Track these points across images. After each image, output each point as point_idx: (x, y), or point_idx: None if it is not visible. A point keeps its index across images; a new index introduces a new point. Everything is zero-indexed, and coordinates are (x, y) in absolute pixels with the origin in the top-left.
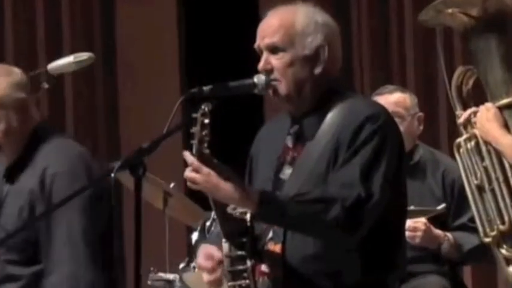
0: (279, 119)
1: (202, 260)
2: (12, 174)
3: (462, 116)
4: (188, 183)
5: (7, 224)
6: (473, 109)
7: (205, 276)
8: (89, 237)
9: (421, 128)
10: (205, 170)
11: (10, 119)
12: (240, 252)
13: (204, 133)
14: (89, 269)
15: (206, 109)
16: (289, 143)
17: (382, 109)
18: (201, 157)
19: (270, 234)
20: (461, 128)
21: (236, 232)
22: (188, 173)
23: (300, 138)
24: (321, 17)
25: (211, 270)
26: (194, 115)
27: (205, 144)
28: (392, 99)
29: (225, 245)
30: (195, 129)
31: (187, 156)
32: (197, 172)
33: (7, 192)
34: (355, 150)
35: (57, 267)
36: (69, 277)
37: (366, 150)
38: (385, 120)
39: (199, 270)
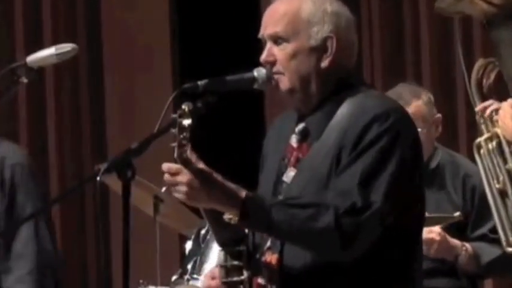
0: (289, 114)
1: (207, 279)
2: None
3: (480, 105)
4: (173, 193)
5: None
6: (493, 102)
7: None
8: None
9: (440, 129)
10: (186, 172)
11: None
12: (236, 263)
13: (182, 136)
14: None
15: (186, 109)
16: (294, 142)
17: (395, 107)
18: (182, 161)
19: (268, 243)
20: (481, 123)
21: (232, 240)
22: (169, 178)
23: (306, 138)
24: (331, 5)
25: None
26: (173, 116)
27: (185, 148)
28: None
29: (220, 254)
30: (174, 132)
31: (164, 166)
32: (177, 175)
33: None
34: (359, 153)
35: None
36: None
37: (370, 153)
38: (396, 119)
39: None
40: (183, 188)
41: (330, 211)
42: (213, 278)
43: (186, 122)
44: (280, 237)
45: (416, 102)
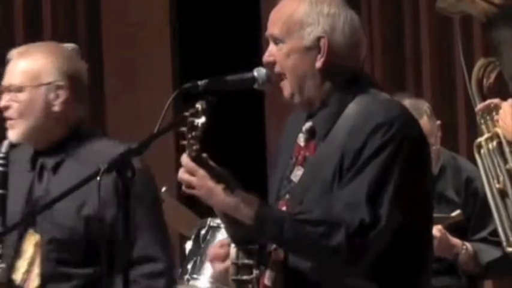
0: (301, 114)
1: (214, 247)
2: None
3: (480, 105)
4: (183, 187)
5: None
6: (491, 102)
7: (218, 266)
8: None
9: (440, 134)
10: (201, 172)
11: None
12: (247, 261)
13: (191, 135)
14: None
15: (200, 108)
16: (301, 141)
17: (400, 113)
18: (195, 159)
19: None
20: (481, 123)
21: (244, 238)
22: (182, 175)
23: (313, 136)
24: (328, 6)
25: (223, 258)
26: (186, 114)
27: (195, 147)
28: None
29: (233, 251)
30: (184, 130)
31: (183, 158)
32: (192, 174)
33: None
34: (364, 163)
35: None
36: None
37: (374, 164)
38: (400, 127)
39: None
40: (193, 191)
41: (341, 230)
42: (221, 247)
43: (199, 120)
44: (289, 251)
45: (423, 121)
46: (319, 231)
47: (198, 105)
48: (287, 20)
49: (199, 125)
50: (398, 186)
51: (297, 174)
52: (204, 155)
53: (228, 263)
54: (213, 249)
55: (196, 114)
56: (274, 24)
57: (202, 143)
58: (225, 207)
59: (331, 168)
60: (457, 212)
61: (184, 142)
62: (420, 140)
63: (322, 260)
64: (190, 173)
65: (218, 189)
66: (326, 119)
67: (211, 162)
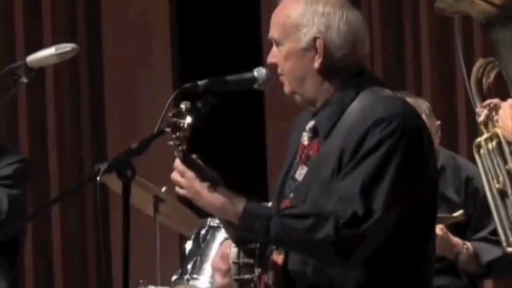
0: (308, 113)
1: (217, 259)
2: None
3: (481, 110)
4: (176, 188)
5: None
6: (493, 100)
7: (218, 279)
8: None
9: (439, 135)
10: (189, 174)
11: None
12: (247, 260)
13: (176, 135)
14: None
15: (183, 108)
16: (305, 140)
17: (400, 109)
18: (182, 160)
19: None
20: (482, 126)
21: (244, 238)
22: (174, 175)
23: (315, 135)
24: (324, 6)
25: (224, 273)
26: (169, 114)
27: (181, 147)
28: None
29: (234, 250)
30: (167, 131)
31: (176, 163)
32: (182, 176)
33: None
34: (360, 158)
35: None
36: None
37: (371, 160)
38: (398, 124)
39: (214, 271)
40: (184, 191)
41: (329, 222)
42: (223, 259)
43: (185, 121)
44: (279, 247)
45: None
46: (306, 224)
47: (182, 106)
48: (284, 22)
49: (185, 125)
50: (395, 181)
51: (301, 173)
52: (194, 155)
53: (228, 279)
54: (216, 259)
55: (180, 115)
56: (273, 27)
57: (191, 143)
58: (212, 208)
59: (331, 166)
60: (459, 212)
61: (170, 142)
62: (421, 137)
63: (313, 254)
64: (180, 174)
65: (205, 190)
66: (328, 118)
67: (200, 163)
